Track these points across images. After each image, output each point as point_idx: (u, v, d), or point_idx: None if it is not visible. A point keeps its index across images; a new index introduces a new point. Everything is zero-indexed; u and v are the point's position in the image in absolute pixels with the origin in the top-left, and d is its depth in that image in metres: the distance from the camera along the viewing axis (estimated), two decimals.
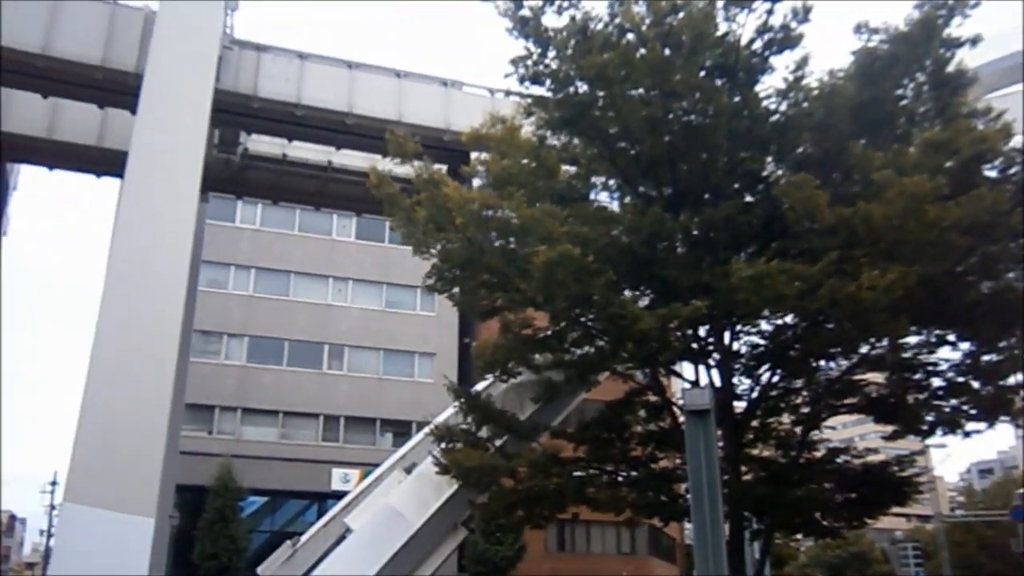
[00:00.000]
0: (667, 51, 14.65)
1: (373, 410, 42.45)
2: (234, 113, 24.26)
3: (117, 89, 23.06)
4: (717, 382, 16.02)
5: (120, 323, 19.57)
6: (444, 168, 19.29)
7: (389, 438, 41.79)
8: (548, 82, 15.70)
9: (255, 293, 43.26)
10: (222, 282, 42.06)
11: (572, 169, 17.14)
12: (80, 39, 23.03)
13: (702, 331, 16.24)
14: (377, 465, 24.79)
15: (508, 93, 16.66)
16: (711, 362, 16.22)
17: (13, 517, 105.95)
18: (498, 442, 18.47)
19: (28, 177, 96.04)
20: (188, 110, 21.79)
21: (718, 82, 15.26)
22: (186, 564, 34.81)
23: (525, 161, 15.99)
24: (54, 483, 59.18)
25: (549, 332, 17.72)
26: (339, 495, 29.36)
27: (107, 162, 25.82)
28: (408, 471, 21.40)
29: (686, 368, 17.29)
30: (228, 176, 26.37)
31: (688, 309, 13.87)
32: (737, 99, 15.21)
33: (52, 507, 59.26)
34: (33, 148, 26.67)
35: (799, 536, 31.42)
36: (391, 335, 43.98)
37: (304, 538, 23.59)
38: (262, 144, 27.26)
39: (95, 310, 19.70)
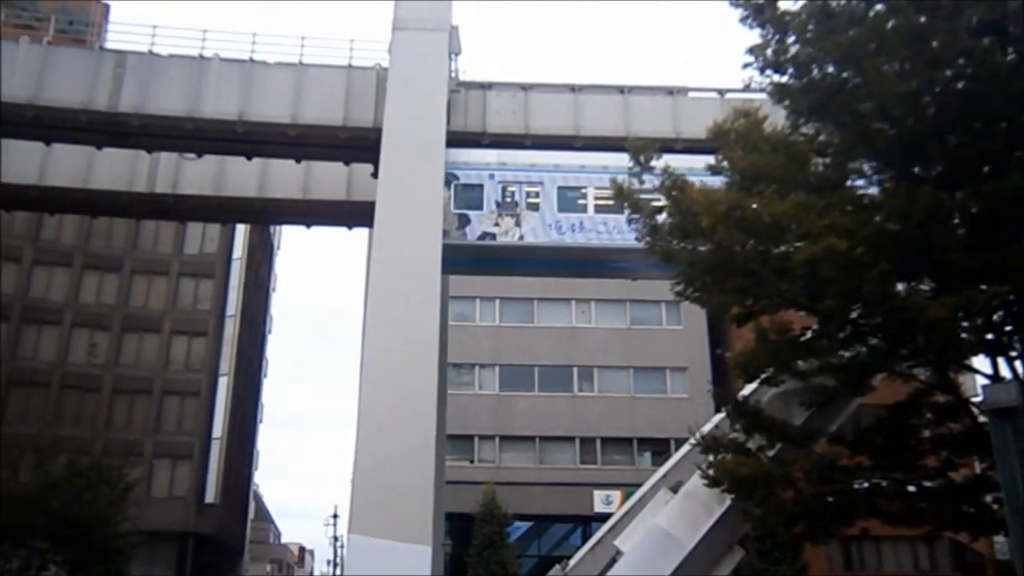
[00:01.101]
0: (922, 17, 13.26)
1: (628, 429, 42.05)
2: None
3: (359, 145, 24.58)
4: (1023, 375, 14.15)
5: (382, 364, 20.60)
6: None
7: (648, 457, 41.14)
8: (790, 69, 14.73)
9: (501, 323, 44.50)
10: (469, 315, 43.53)
11: (824, 161, 15.90)
12: (323, 104, 24.84)
13: (997, 318, 14.41)
14: (638, 485, 24.41)
15: (747, 88, 15.73)
16: (1012, 353, 14.36)
17: (303, 549, 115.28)
18: (771, 452, 17.47)
19: (288, 236, 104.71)
20: (425, 156, 22.72)
21: (985, 41, 13.61)
22: None
23: (772, 155, 14.99)
24: (335, 516, 63.58)
25: (813, 334, 16.58)
26: (603, 517, 29.16)
27: (356, 213, 27.45)
28: (674, 490, 20.83)
29: (980, 362, 15.44)
30: None
31: (986, 295, 12.38)
32: (1012, 56, 13.48)
33: (335, 538, 63.68)
34: (293, 210, 28.92)
35: None
36: (639, 352, 43.49)
37: (573, 562, 23.55)
38: None
39: (359, 352, 20.83)
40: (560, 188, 24.31)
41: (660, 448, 39.46)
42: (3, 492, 33.81)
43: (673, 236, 15.71)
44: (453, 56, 25.33)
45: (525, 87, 25.92)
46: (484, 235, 24.00)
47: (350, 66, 25.33)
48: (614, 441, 42.25)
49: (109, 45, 26.12)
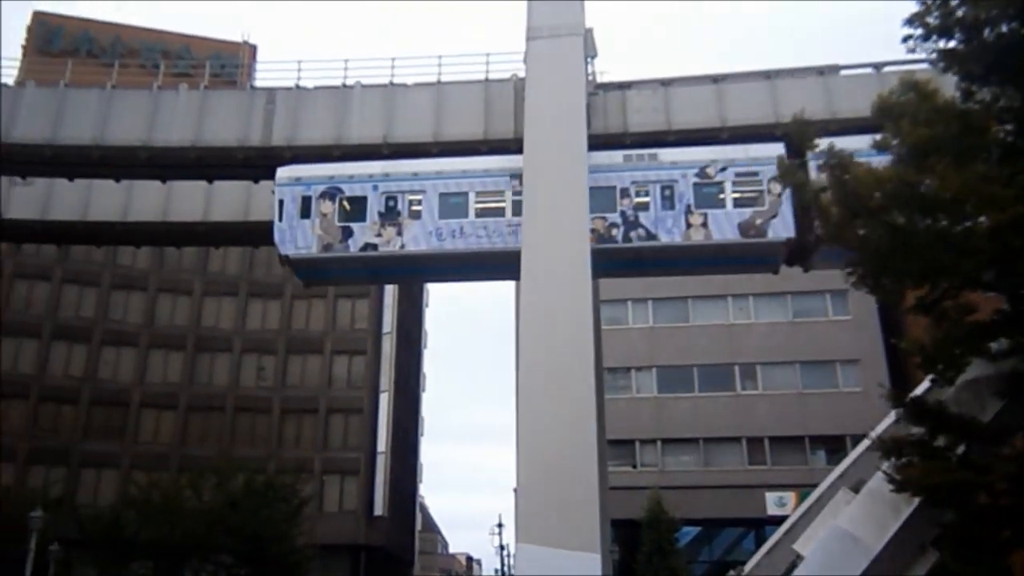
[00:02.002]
0: None
1: (798, 427, 40.48)
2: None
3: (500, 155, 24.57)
4: None
5: (538, 372, 20.47)
6: None
7: (822, 456, 39.56)
8: (958, 33, 13.57)
9: (655, 324, 43.87)
10: (621, 318, 43.07)
11: (1005, 127, 14.53)
12: (463, 120, 25.21)
13: None
14: (814, 486, 23.50)
15: (908, 60, 14.60)
16: None
17: (470, 558, 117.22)
18: (960, 450, 16.12)
19: None
20: (568, 162, 22.50)
21: None
22: None
23: (945, 126, 13.80)
24: (500, 526, 64.13)
25: (1002, 315, 15.20)
26: (777, 520, 28.14)
27: None
28: (855, 489, 19.74)
29: None
30: None
31: None
32: None
33: (501, 547, 64.20)
34: None
35: None
36: (805, 346, 41.80)
37: (748, 567, 22.92)
38: None
39: (514, 362, 20.76)
40: (442, 195, 24.42)
41: (835, 446, 37.92)
42: (189, 510, 36.11)
43: (839, 219, 14.66)
44: (589, 59, 25.06)
45: (665, 82, 25.43)
46: (366, 246, 24.31)
47: (487, 80, 25.55)
48: (784, 440, 40.74)
49: (258, 83, 27.32)
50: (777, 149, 23.16)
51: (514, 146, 23.75)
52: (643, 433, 41.37)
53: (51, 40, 53.95)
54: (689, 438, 41.50)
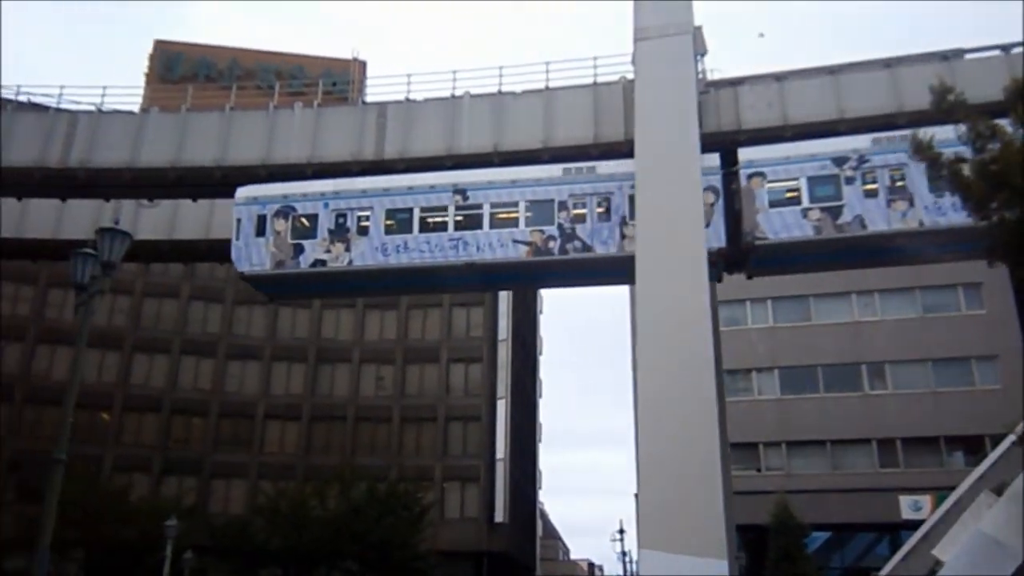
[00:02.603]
0: None
1: (933, 428, 38.90)
2: (722, 150, 24.13)
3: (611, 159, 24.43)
4: None
5: (657, 376, 20.28)
6: None
7: (959, 457, 37.94)
8: None
9: (776, 324, 42.93)
10: (740, 319, 42.33)
11: None
12: (573, 125, 25.22)
13: None
14: (951, 488, 22.60)
15: None
16: None
17: (591, 564, 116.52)
18: None
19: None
20: (680, 163, 22.22)
21: None
22: None
23: None
24: (621, 531, 63.71)
25: None
26: (912, 525, 27.13)
27: None
28: (997, 491, 18.84)
29: None
30: None
31: None
32: None
33: (623, 553, 63.77)
34: None
35: None
36: (937, 343, 40.16)
37: (883, 572, 22.27)
38: None
39: (631, 366, 20.55)
40: (388, 211, 24.71)
41: (973, 446, 36.23)
42: (315, 518, 37.30)
43: (981, 194, 13.79)
44: (699, 57, 24.67)
45: (779, 77, 24.81)
46: (316, 262, 24.72)
47: (595, 83, 25.46)
48: (917, 441, 39.19)
49: (369, 98, 27.89)
50: (712, 159, 23.24)
51: (625, 148, 23.61)
52: (767, 436, 40.52)
53: (171, 67, 56.65)
54: (815, 440, 40.39)
